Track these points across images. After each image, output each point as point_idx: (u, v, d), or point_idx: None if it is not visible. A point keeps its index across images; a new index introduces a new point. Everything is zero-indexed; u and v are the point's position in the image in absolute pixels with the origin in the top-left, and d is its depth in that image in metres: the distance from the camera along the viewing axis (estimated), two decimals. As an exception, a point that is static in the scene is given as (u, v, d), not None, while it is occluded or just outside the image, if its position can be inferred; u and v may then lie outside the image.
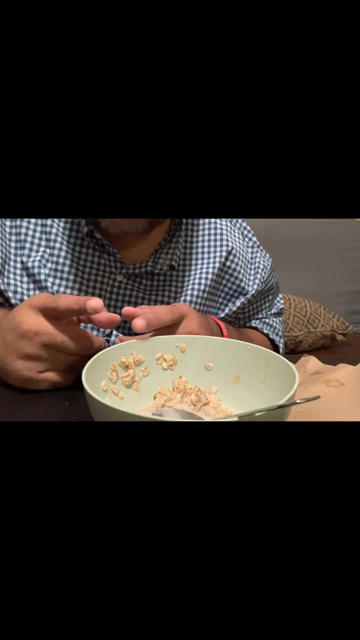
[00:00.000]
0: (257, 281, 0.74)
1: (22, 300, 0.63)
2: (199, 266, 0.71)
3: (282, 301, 0.84)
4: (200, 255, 0.71)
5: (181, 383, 0.49)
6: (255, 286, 0.74)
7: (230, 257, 0.73)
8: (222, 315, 0.74)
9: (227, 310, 0.74)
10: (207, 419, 0.46)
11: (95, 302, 0.47)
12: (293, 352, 1.47)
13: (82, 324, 0.55)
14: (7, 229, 0.65)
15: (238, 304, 0.74)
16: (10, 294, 0.63)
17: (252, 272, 0.75)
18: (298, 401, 0.35)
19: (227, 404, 0.48)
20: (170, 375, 0.50)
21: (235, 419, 0.33)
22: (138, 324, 0.49)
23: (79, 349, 0.50)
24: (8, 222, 0.65)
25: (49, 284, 0.64)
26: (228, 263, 0.72)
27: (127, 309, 0.51)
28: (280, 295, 0.85)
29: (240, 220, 0.78)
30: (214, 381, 0.49)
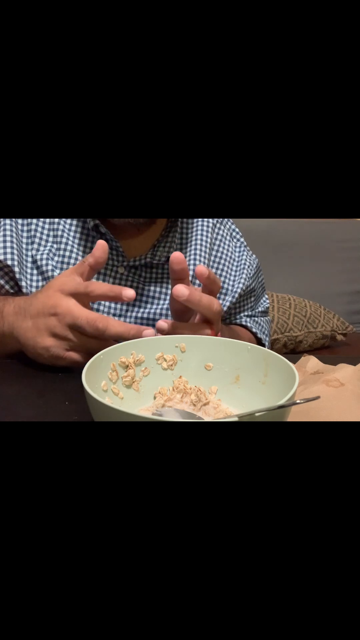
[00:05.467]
0: (242, 279, 0.78)
1: (31, 291, 0.67)
2: (192, 260, 0.75)
3: (267, 301, 0.88)
4: (193, 252, 0.75)
5: (181, 383, 0.49)
6: (241, 284, 0.78)
7: (217, 259, 0.78)
8: None
9: None
10: (207, 419, 0.45)
11: (130, 292, 0.54)
12: (293, 352, 1.47)
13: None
14: (19, 226, 0.69)
15: (227, 304, 0.77)
16: (23, 283, 0.67)
17: (238, 271, 0.79)
18: (298, 401, 0.35)
19: (227, 404, 0.48)
20: (170, 375, 0.50)
21: (235, 419, 0.33)
22: (201, 269, 0.54)
23: (97, 333, 0.53)
24: (20, 220, 0.69)
25: (56, 275, 0.67)
26: (213, 264, 0.77)
27: (177, 254, 0.54)
28: (267, 296, 0.89)
29: (229, 222, 0.82)
30: (214, 381, 0.49)
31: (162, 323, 0.54)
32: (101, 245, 0.55)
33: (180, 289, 0.52)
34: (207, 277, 0.55)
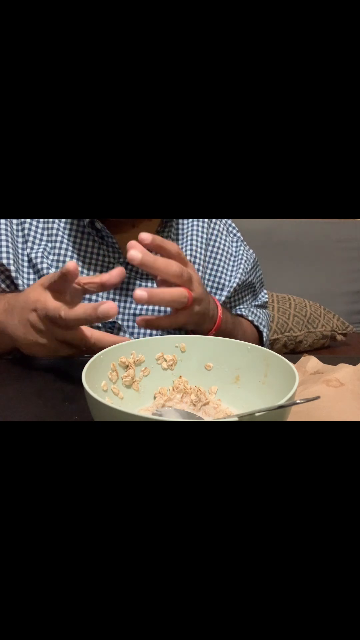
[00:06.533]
0: (239, 273, 0.78)
1: None
2: (188, 257, 0.74)
3: (266, 296, 0.88)
4: (189, 247, 0.75)
5: (181, 383, 0.49)
6: (237, 278, 0.78)
7: (213, 254, 0.78)
8: None
9: None
10: (207, 419, 0.45)
11: (69, 264, 0.48)
12: (293, 352, 1.47)
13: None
14: (14, 225, 0.69)
15: (222, 298, 0.77)
16: (20, 282, 0.67)
17: (235, 264, 0.79)
18: (298, 401, 0.35)
19: (227, 404, 0.48)
20: (170, 375, 0.50)
21: (235, 419, 0.33)
22: (144, 235, 0.52)
23: (62, 321, 0.52)
24: (15, 220, 0.69)
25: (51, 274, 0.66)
26: (209, 259, 0.77)
27: (132, 242, 0.53)
28: (265, 291, 0.89)
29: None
30: (214, 381, 0.49)
31: (140, 291, 0.51)
32: (119, 271, 0.52)
33: (132, 253, 0.50)
34: (151, 243, 0.53)
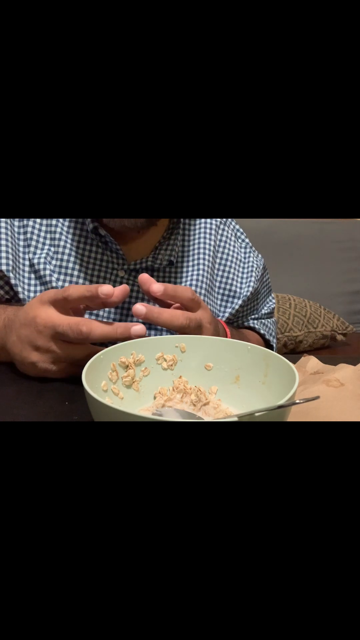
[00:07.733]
0: (251, 281, 0.77)
1: (29, 297, 0.65)
2: (195, 264, 0.73)
3: (274, 300, 0.87)
4: (196, 254, 0.74)
5: (181, 383, 0.49)
6: (249, 287, 0.76)
7: (223, 261, 0.76)
8: (223, 319, 0.76)
9: (227, 314, 0.76)
10: (207, 419, 0.46)
11: (106, 288, 0.50)
12: (293, 352, 1.47)
13: (92, 316, 0.56)
14: (16, 229, 0.66)
15: (236, 307, 0.76)
16: (20, 289, 0.65)
17: (246, 272, 0.77)
18: (298, 401, 0.35)
19: (227, 404, 0.48)
20: (170, 375, 0.50)
21: (235, 419, 0.33)
22: (155, 288, 0.52)
23: (82, 337, 0.51)
24: (16, 222, 0.66)
25: (53, 280, 0.65)
26: (219, 266, 0.76)
27: (144, 275, 0.54)
28: (273, 295, 0.87)
29: (232, 222, 0.81)
30: (214, 381, 0.49)
31: (140, 306, 0.51)
32: (122, 290, 0.53)
33: (137, 308, 0.51)
34: (163, 294, 0.53)
